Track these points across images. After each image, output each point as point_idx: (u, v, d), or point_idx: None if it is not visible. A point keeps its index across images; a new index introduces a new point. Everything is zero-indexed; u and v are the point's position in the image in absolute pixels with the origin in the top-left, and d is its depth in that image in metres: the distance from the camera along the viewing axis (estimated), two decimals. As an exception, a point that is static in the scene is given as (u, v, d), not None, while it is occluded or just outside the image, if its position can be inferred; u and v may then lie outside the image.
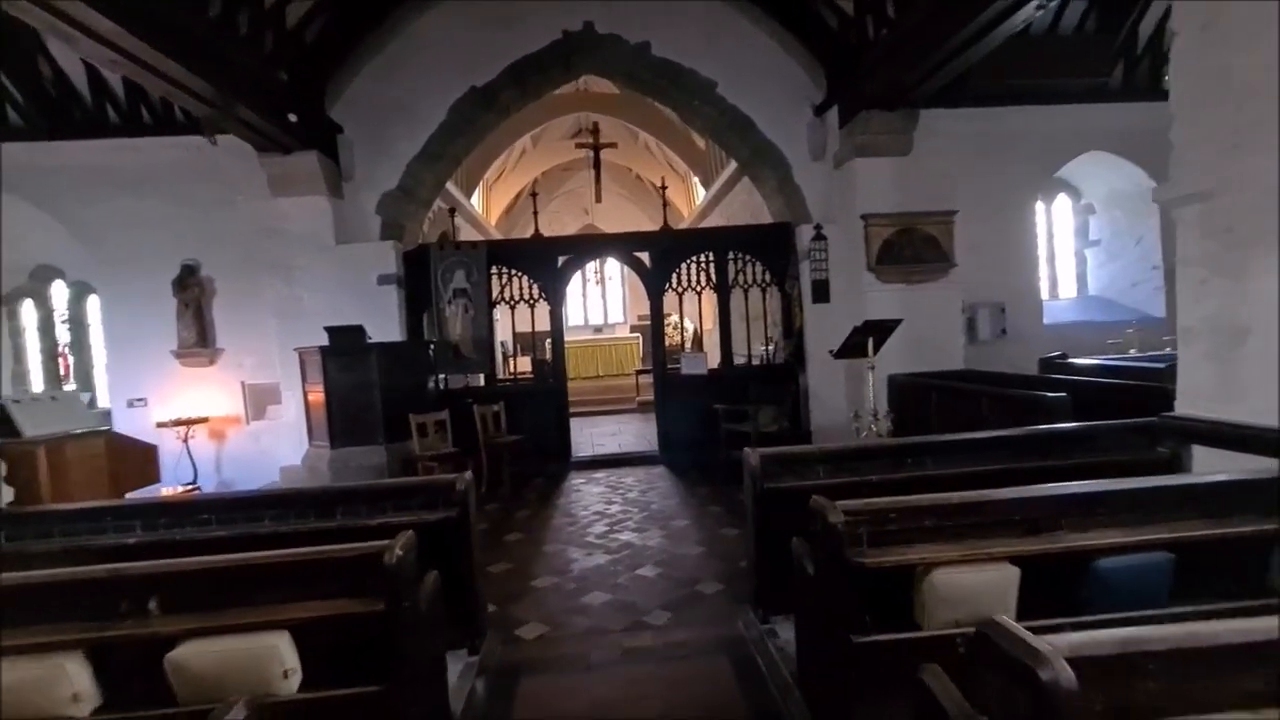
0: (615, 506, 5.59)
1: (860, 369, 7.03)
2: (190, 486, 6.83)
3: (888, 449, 3.09)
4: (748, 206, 8.16)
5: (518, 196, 14.84)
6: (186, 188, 7.08)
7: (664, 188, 7.78)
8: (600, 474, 7.00)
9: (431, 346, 7.02)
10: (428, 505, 2.85)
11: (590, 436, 9.18)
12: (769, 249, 7.66)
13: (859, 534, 1.95)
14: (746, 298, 7.77)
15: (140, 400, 7.08)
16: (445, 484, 2.85)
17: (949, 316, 6.94)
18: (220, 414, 7.13)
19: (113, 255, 7.11)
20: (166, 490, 6.20)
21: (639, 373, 12.70)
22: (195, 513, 2.79)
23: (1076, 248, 8.76)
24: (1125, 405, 4.48)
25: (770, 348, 7.90)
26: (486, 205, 13.73)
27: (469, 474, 2.91)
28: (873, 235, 6.85)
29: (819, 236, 7.31)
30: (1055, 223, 8.76)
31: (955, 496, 2.03)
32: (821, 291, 7.36)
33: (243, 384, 7.19)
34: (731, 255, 7.68)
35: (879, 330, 4.62)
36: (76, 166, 6.88)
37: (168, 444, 6.92)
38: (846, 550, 1.92)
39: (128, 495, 4.40)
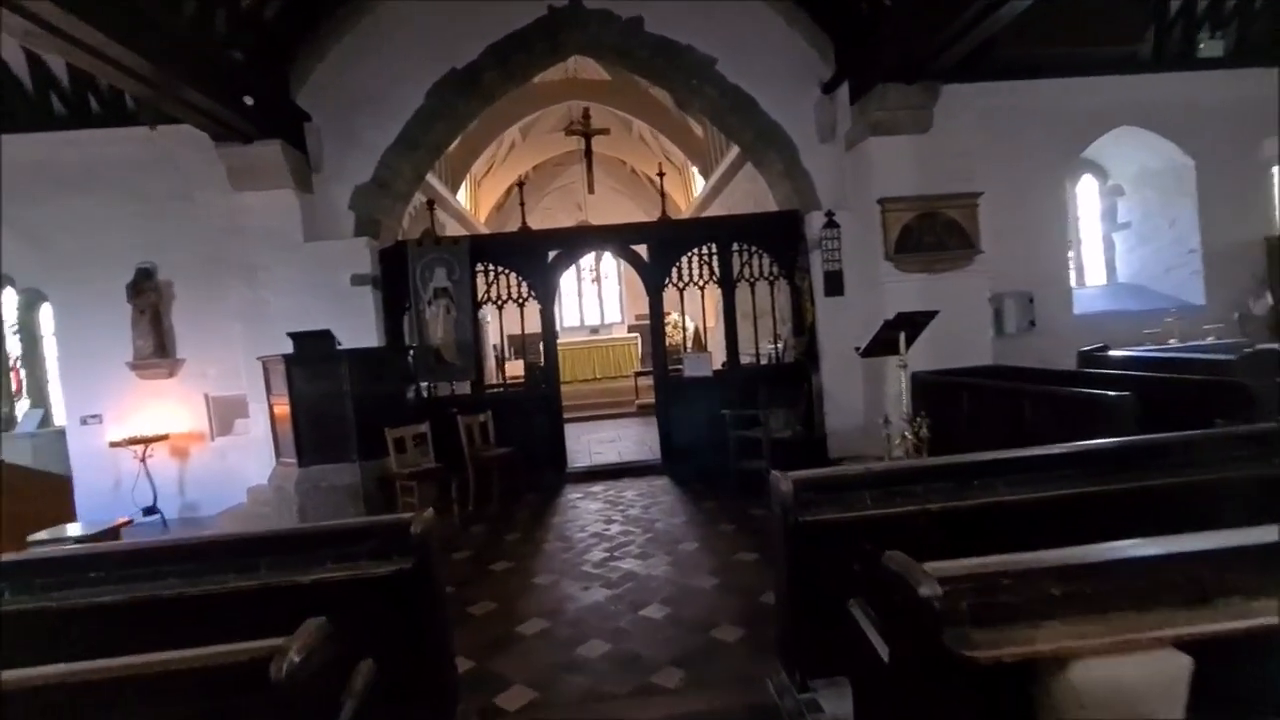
0: (615, 526, 5.01)
1: (880, 368, 6.46)
2: (149, 512, 6.23)
3: (946, 469, 2.50)
4: (751, 196, 7.60)
5: (508, 192, 14.24)
6: (140, 183, 6.49)
7: (661, 174, 7.20)
8: (598, 487, 6.42)
9: (411, 352, 6.42)
10: (378, 553, 2.26)
11: (587, 444, 8.60)
12: (776, 239, 7.08)
13: (961, 610, 1.37)
14: (753, 292, 7.19)
15: (94, 417, 6.48)
16: (398, 526, 2.26)
17: (975, 308, 6.36)
18: (182, 430, 6.53)
19: (63, 259, 6.50)
20: (122, 522, 5.61)
21: (638, 374, 12.13)
22: (82, 570, 2.21)
23: (1104, 232, 8.20)
24: (1193, 404, 3.94)
25: (779, 346, 7.32)
26: (474, 202, 13.14)
27: (430, 512, 2.32)
28: (890, 221, 6.28)
29: (831, 224, 6.73)
30: (1080, 206, 8.18)
31: (1092, 553, 1.44)
32: (835, 284, 6.79)
33: (206, 397, 6.60)
34: (736, 247, 7.10)
35: (912, 324, 4.04)
36: (20, 164, 6.25)
37: (125, 465, 6.35)
38: (946, 634, 1.34)
39: (30, 539, 3.79)
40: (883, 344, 4.12)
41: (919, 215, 6.28)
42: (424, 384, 6.86)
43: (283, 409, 5.46)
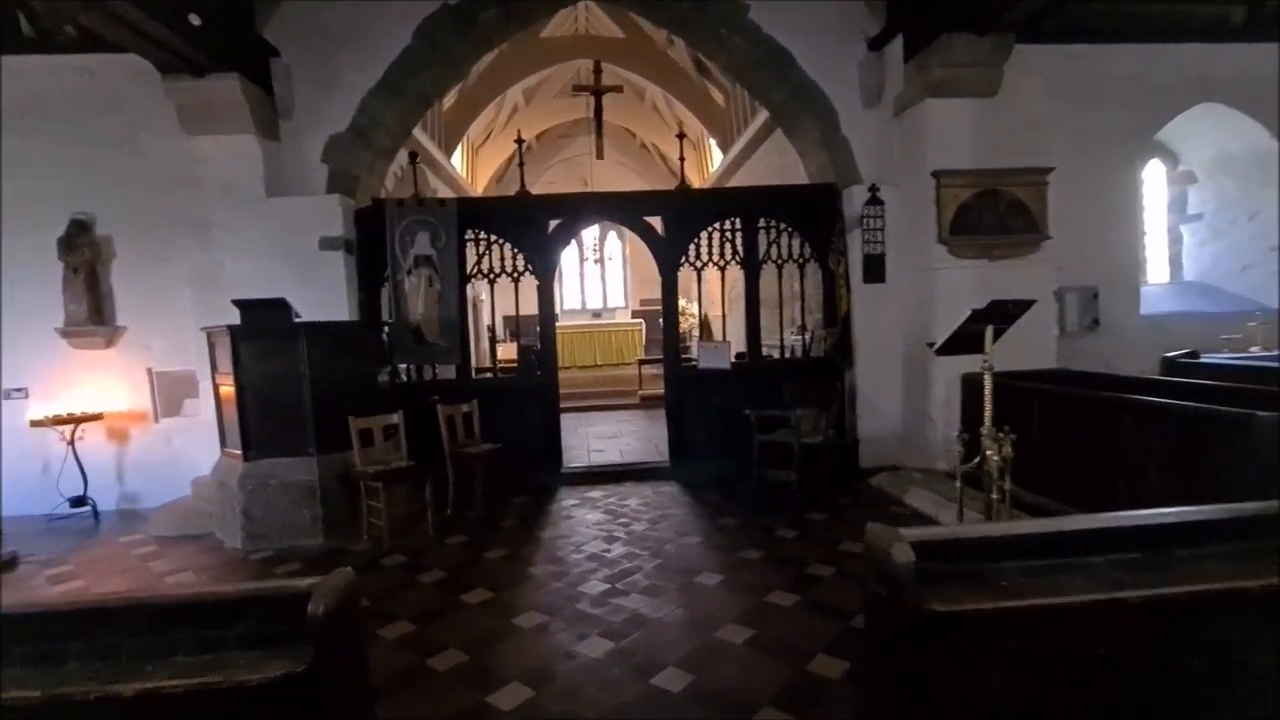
0: (618, 546, 4.19)
1: (924, 367, 5.63)
2: (77, 503, 5.40)
3: (1132, 532, 1.67)
4: (777, 170, 6.74)
5: (508, 162, 13.29)
6: (79, 122, 5.59)
7: (682, 135, 6.28)
8: (597, 492, 5.60)
9: (386, 329, 5.57)
10: (260, 640, 1.43)
11: (585, 438, 7.77)
12: (809, 216, 6.21)
13: None
14: (780, 276, 6.33)
15: (19, 391, 5.62)
16: (290, 599, 1.42)
17: (1040, 302, 5.51)
18: (120, 409, 5.68)
19: (-17, 206, 5.62)
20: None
21: (642, 362, 11.29)
22: None
23: (1169, 223, 7.35)
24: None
25: (806, 338, 6.47)
26: (471, 169, 12.20)
27: (341, 577, 1.48)
28: (946, 198, 5.41)
29: (874, 200, 5.87)
30: (1145, 194, 7.32)
31: None
32: (875, 269, 5.94)
33: (150, 372, 5.74)
34: (763, 223, 6.24)
35: (1005, 315, 3.20)
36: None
37: (55, 447, 5.51)
38: None
39: None
40: (965, 340, 3.28)
41: (979, 193, 5.42)
42: (403, 367, 6.02)
43: (229, 390, 4.62)
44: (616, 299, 16.23)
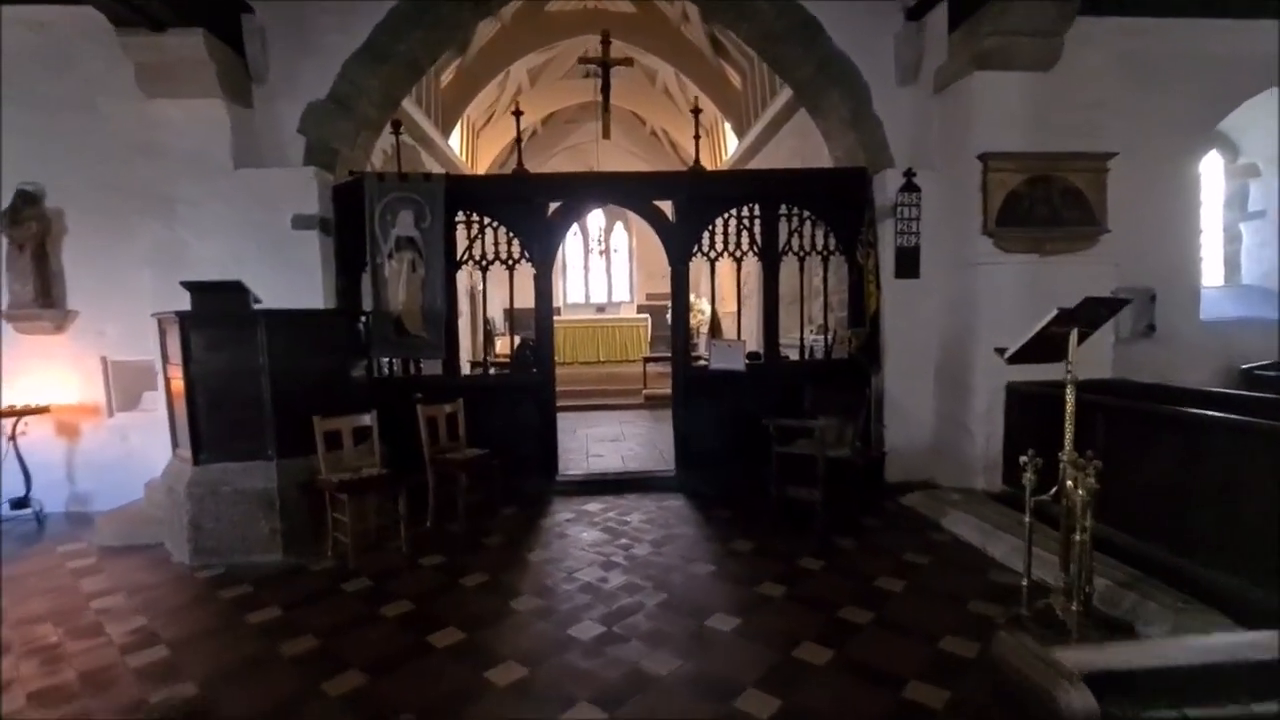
0: (616, 575, 3.63)
1: (962, 374, 5.06)
2: (18, 505, 4.87)
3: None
4: (798, 155, 6.15)
5: (512, 146, 12.70)
6: (27, 82, 5.03)
7: (697, 110, 5.67)
8: (595, 504, 5.04)
9: (364, 319, 5.01)
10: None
11: (584, 441, 7.22)
12: (836, 203, 5.61)
13: None
14: (802, 268, 5.75)
15: (-41, 378, 5.09)
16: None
17: (1097, 303, 4.92)
18: (70, 401, 5.14)
19: (-78, 173, 5.08)
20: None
21: (647, 360, 10.73)
22: None
23: (1228, 220, 6.72)
24: None
25: (829, 337, 5.89)
26: (471, 153, 11.60)
27: None
28: (993, 184, 4.83)
29: (909, 186, 5.27)
30: (1202, 188, 6.68)
31: None
32: (909, 262, 5.35)
33: (104, 361, 5.20)
34: (784, 210, 5.65)
35: (1094, 316, 2.62)
36: None
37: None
38: None
39: None
40: (1042, 344, 2.69)
41: (1030, 179, 4.82)
42: (386, 361, 5.47)
43: (179, 384, 4.07)
44: (622, 293, 15.65)
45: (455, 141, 10.43)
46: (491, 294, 11.47)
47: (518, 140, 5.57)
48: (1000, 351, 2.83)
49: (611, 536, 4.27)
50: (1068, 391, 2.74)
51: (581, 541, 4.20)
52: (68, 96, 5.04)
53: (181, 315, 3.94)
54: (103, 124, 5.04)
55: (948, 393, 5.25)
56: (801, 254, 5.69)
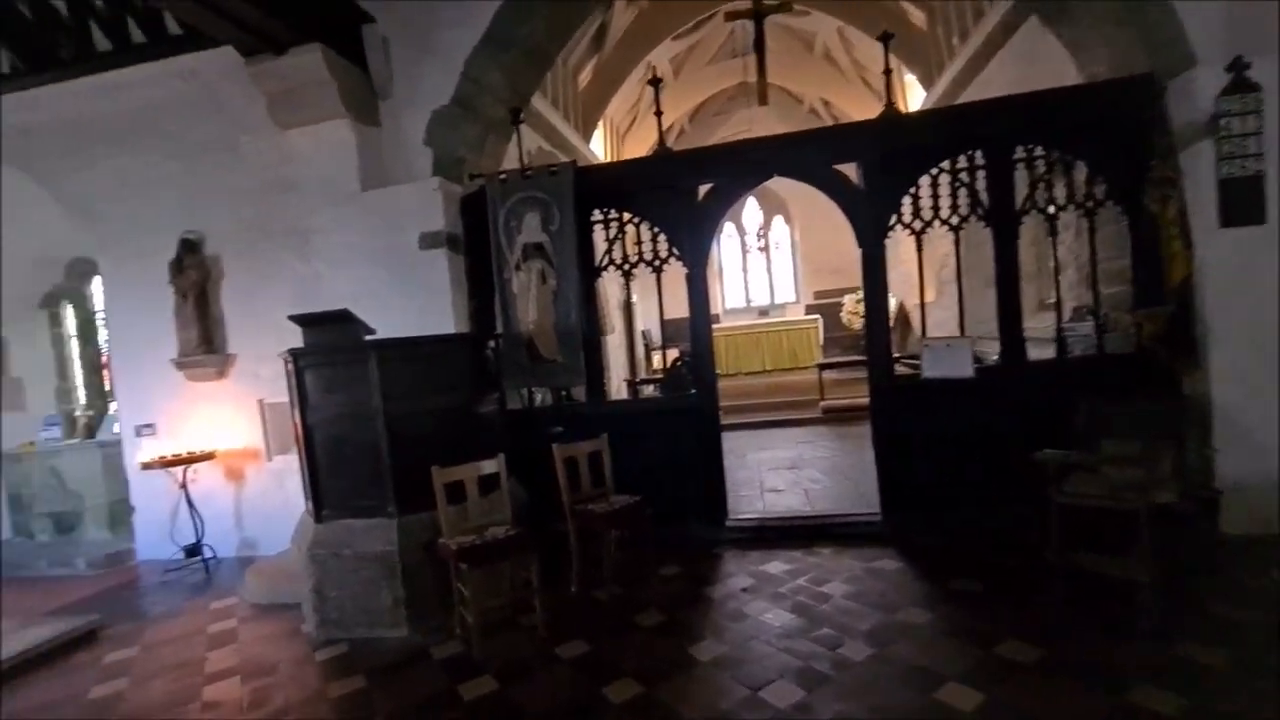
0: (824, 701, 2.45)
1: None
2: (191, 553, 4.88)
3: None
4: (1019, 86, 4.48)
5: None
6: (181, 131, 5.13)
7: (886, 36, 4.21)
8: (778, 563, 3.88)
9: (493, 345, 4.36)
10: None
11: (756, 470, 6.05)
12: (1101, 134, 3.93)
13: None
14: (1052, 231, 4.12)
15: (148, 427, 5.29)
16: None
17: None
18: (235, 446, 5.12)
19: (110, 233, 5.39)
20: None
21: (822, 367, 9.26)
22: None
23: None
24: None
25: (1100, 323, 4.15)
26: (615, 157, 10.99)
27: None
28: None
29: (1241, 85, 3.48)
30: None
31: None
32: (1244, 202, 3.54)
33: (261, 404, 5.13)
34: (1022, 152, 4.08)
35: None
36: (61, 122, 5.19)
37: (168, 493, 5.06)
38: None
39: None
40: None
41: None
42: (525, 392, 4.79)
43: (300, 430, 3.65)
44: (786, 293, 14.18)
45: (598, 146, 9.88)
46: (640, 304, 10.77)
47: (657, 113, 4.62)
48: None
49: (808, 623, 3.08)
50: None
51: (765, 629, 3.06)
52: (216, 139, 5.05)
53: (294, 354, 3.52)
54: (248, 163, 4.99)
55: (1339, 398, 3.33)
56: (1051, 211, 4.07)
